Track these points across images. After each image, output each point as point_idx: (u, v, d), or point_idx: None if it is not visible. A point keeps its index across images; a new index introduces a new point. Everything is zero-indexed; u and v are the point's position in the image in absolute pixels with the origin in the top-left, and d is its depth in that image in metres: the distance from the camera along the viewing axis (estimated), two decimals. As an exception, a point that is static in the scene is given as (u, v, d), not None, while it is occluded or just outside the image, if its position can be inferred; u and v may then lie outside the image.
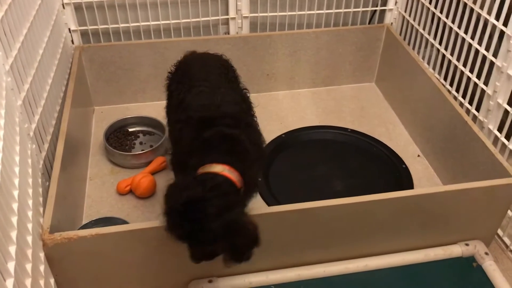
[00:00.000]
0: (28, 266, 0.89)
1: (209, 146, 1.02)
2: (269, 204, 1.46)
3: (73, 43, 1.72)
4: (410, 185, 1.54)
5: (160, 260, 1.14)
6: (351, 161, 1.65)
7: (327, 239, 1.21)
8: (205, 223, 0.88)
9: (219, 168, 0.96)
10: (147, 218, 1.41)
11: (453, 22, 1.56)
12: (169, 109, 1.30)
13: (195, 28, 1.83)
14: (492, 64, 1.39)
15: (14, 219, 0.87)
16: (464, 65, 1.53)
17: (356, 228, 1.21)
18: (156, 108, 1.79)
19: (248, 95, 1.32)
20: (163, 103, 1.36)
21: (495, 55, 1.38)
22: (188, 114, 1.11)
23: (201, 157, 1.00)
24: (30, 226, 0.97)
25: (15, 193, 0.92)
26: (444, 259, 1.26)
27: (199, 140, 1.04)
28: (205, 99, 1.13)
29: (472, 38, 1.47)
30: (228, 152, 1.00)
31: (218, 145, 1.01)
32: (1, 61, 1.04)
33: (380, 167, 1.63)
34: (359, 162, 1.65)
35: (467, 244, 1.28)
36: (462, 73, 1.54)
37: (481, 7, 1.41)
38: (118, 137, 1.66)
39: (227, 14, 1.82)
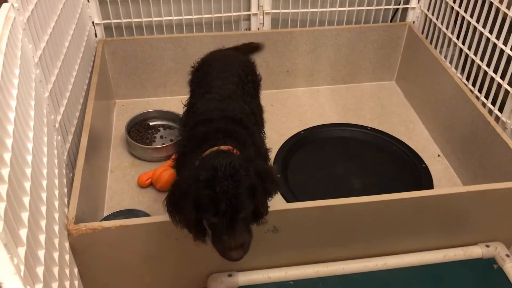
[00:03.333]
0: (56, 255, 0.91)
1: (205, 138, 1.02)
2: (287, 201, 1.47)
3: (96, 36, 1.74)
4: (429, 185, 1.54)
5: (181, 253, 1.16)
6: (370, 160, 1.65)
7: (346, 236, 1.22)
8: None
9: (223, 148, 0.97)
10: (167, 211, 1.42)
11: (477, 21, 1.54)
12: (185, 110, 1.30)
13: (217, 23, 1.84)
14: (517, 64, 1.38)
15: (43, 208, 0.89)
16: (488, 65, 1.51)
17: (375, 227, 1.21)
18: (176, 103, 1.80)
19: (263, 113, 1.32)
20: (184, 97, 1.37)
21: (520, 55, 1.37)
22: (193, 118, 1.14)
23: (199, 147, 1.00)
24: (57, 216, 0.99)
25: (44, 182, 0.94)
26: (464, 260, 1.26)
27: (196, 135, 1.05)
28: (213, 106, 1.14)
29: (497, 38, 1.45)
30: (226, 137, 1.01)
31: (214, 136, 1.02)
32: (31, 53, 1.06)
33: (400, 166, 1.62)
34: (378, 161, 1.65)
35: (487, 246, 1.27)
36: (485, 73, 1.53)
37: (508, 7, 1.39)
38: (139, 131, 1.68)
39: (249, 10, 1.82)
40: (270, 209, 1.12)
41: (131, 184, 1.52)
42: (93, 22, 1.72)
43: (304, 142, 1.71)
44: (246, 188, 0.90)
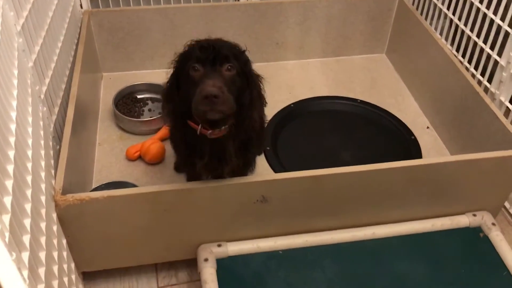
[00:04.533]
0: (43, 225, 0.91)
1: None
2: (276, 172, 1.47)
3: (81, 7, 1.70)
4: (418, 157, 1.54)
5: (170, 224, 1.16)
6: (359, 132, 1.65)
7: (335, 206, 1.22)
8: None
9: None
10: (156, 183, 1.41)
11: (468, -9, 1.53)
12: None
13: (205, -6, 1.81)
14: (507, 34, 1.37)
15: (29, 178, 0.88)
16: (478, 36, 1.51)
17: (364, 197, 1.22)
18: (164, 76, 1.78)
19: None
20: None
21: (510, 25, 1.36)
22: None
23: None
24: (43, 186, 0.98)
25: (29, 152, 0.92)
26: (451, 229, 1.27)
27: None
28: None
29: (487, 8, 1.44)
30: None
31: None
32: (13, 21, 1.03)
33: (389, 139, 1.63)
34: (367, 133, 1.65)
35: (474, 215, 1.29)
36: (475, 44, 1.52)
37: (498, -24, 1.38)
38: (127, 104, 1.66)
39: (237, -20, 1.79)
40: (259, 179, 1.13)
41: (120, 157, 1.50)
42: (78, -8, 1.68)
43: (294, 115, 1.70)
44: (235, 53, 0.95)
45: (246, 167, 1.22)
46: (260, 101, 1.05)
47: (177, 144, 1.19)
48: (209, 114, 0.89)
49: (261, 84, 1.05)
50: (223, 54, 0.93)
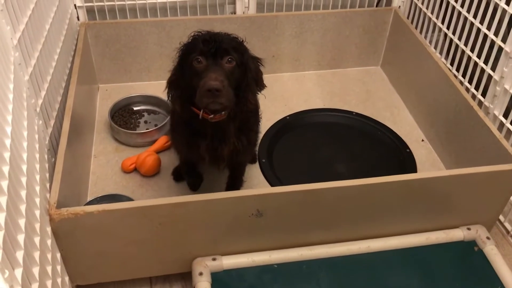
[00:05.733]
0: (37, 240, 0.90)
1: None
2: (272, 185, 1.47)
3: (78, 19, 1.71)
4: (413, 170, 1.55)
5: (164, 238, 1.16)
6: (355, 145, 1.66)
7: (330, 220, 1.22)
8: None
9: None
10: (151, 196, 1.42)
11: (462, 6, 1.54)
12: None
13: (202, 7, 1.82)
14: (500, 49, 1.38)
15: (23, 193, 0.88)
16: (472, 50, 1.52)
17: (359, 210, 1.22)
18: (161, 87, 1.77)
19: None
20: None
21: (503, 40, 1.37)
22: None
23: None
24: (37, 200, 0.98)
25: (24, 167, 0.92)
26: (446, 243, 1.27)
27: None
28: None
29: (481, 23, 1.46)
30: None
31: None
32: (9, 35, 1.03)
33: (384, 151, 1.63)
34: (363, 146, 1.65)
35: (469, 229, 1.29)
36: (469, 58, 1.54)
37: (492, -8, 1.40)
38: (123, 116, 1.66)
39: (234, -7, 1.80)
40: (254, 193, 1.13)
41: (115, 169, 1.50)
42: (75, 5, 1.68)
43: (290, 127, 1.71)
44: (234, 45, 1.02)
45: (250, 146, 1.26)
46: (256, 83, 1.13)
47: (179, 128, 1.24)
48: (211, 105, 0.99)
49: (259, 66, 1.13)
50: (224, 47, 1.01)
